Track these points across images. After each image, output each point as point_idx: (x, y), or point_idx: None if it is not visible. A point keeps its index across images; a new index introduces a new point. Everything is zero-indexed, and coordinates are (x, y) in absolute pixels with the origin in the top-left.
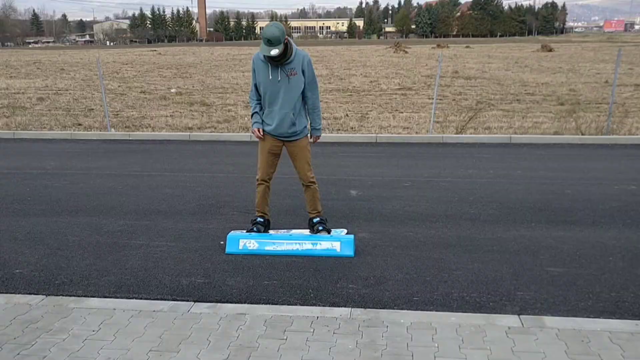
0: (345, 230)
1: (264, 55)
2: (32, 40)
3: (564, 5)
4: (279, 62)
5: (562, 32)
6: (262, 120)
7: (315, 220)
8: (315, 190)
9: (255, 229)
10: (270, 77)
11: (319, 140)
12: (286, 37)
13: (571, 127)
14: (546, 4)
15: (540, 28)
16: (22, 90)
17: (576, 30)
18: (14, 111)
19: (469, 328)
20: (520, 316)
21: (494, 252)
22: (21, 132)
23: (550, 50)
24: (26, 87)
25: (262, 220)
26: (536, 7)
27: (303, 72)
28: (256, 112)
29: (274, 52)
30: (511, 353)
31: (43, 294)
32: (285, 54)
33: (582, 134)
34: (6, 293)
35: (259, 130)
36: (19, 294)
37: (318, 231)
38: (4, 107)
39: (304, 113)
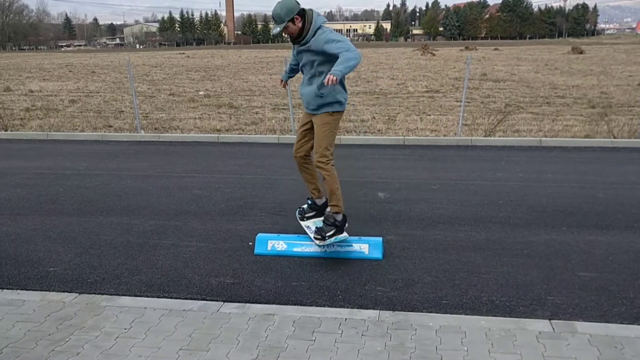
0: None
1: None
2: (64, 44)
3: (595, 7)
4: (294, 42)
5: (593, 34)
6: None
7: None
8: (324, 177)
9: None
10: (296, 53)
11: (332, 83)
12: (297, 16)
13: (603, 130)
14: (577, 5)
15: (571, 30)
16: (55, 93)
17: (608, 32)
18: (47, 113)
19: (498, 332)
20: (551, 321)
21: (524, 256)
22: (54, 133)
23: (581, 52)
24: (59, 90)
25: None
26: (567, 9)
27: (323, 53)
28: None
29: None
30: (542, 358)
31: (76, 292)
32: (301, 34)
33: (614, 137)
34: (41, 290)
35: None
36: (53, 291)
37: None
38: (38, 109)
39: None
